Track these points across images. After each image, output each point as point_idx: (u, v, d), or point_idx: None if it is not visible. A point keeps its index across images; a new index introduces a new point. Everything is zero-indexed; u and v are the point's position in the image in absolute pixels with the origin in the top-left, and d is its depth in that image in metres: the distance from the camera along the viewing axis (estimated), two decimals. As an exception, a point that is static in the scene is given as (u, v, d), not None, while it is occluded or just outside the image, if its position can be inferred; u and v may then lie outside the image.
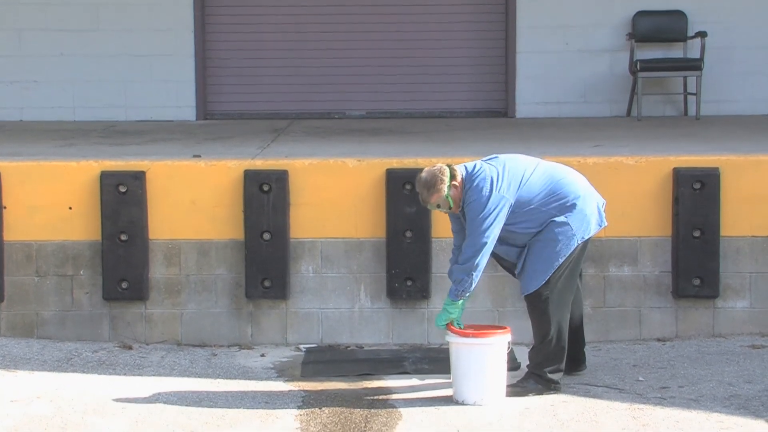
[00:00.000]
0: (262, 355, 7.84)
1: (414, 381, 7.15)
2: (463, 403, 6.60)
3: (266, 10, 11.73)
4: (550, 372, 6.77)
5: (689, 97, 11.46)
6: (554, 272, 6.67)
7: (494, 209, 6.56)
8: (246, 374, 7.38)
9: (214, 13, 11.70)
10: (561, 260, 6.69)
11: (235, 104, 11.76)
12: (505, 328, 6.81)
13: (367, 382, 7.15)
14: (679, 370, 7.30)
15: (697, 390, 6.83)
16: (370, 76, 11.72)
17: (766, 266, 8.04)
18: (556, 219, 6.67)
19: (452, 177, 6.61)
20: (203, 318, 8.11)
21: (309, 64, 11.71)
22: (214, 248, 8.08)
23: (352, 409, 6.55)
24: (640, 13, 11.51)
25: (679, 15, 11.49)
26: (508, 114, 11.64)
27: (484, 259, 6.60)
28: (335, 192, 8.04)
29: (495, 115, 11.69)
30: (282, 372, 7.44)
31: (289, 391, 6.98)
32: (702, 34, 11.18)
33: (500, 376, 6.64)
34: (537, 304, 6.74)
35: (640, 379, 7.10)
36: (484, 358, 6.60)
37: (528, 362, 6.89)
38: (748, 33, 11.50)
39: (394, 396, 6.81)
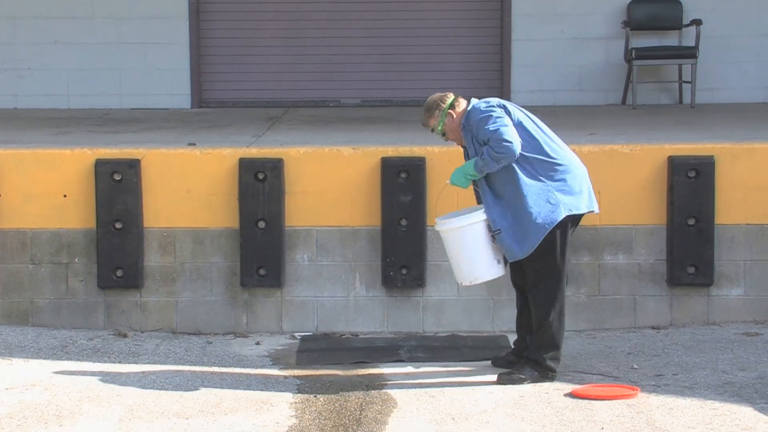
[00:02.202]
0: (258, 343, 7.85)
1: (409, 369, 7.16)
2: (461, 284, 6.83)
3: (261, -2, 11.74)
4: (549, 359, 6.75)
5: (684, 85, 11.46)
6: (550, 250, 6.60)
7: (499, 112, 6.57)
8: (241, 362, 7.39)
9: (208, 0, 11.68)
10: (548, 228, 6.56)
11: (230, 92, 11.75)
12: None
13: (363, 370, 7.16)
14: (673, 357, 7.31)
15: (692, 378, 6.85)
16: (366, 64, 11.71)
17: (761, 254, 8.06)
18: (542, 180, 6.60)
19: (452, 106, 6.71)
20: (198, 306, 8.11)
21: (304, 52, 11.70)
22: (209, 236, 8.08)
23: (347, 397, 6.56)
24: (636, 1, 11.50)
25: (674, 3, 11.48)
26: (503, 102, 11.63)
27: (507, 145, 6.49)
28: (330, 180, 8.04)
29: (490, 103, 11.68)
30: (277, 360, 7.44)
31: (285, 378, 6.98)
32: (697, 22, 11.18)
33: (486, 253, 6.66)
34: (538, 288, 6.70)
35: (635, 366, 7.11)
36: (466, 238, 6.66)
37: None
38: (743, 21, 11.50)
39: (390, 384, 6.82)
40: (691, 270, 8.00)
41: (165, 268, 8.08)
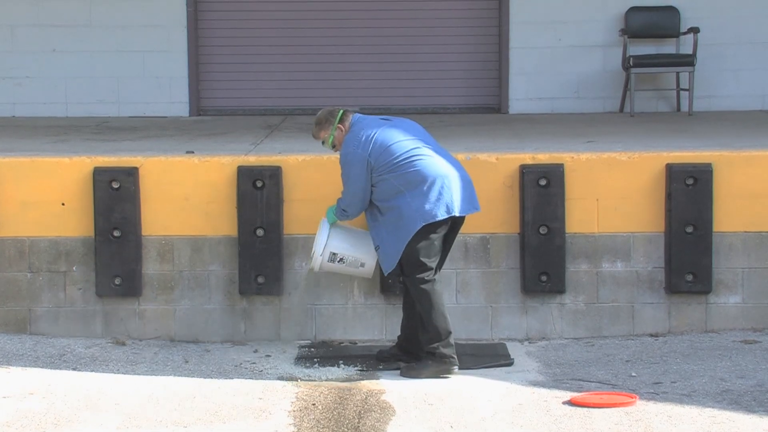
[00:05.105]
0: (256, 351, 7.85)
1: (407, 377, 7.16)
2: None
3: (259, 6, 11.73)
4: (442, 346, 6.99)
5: (682, 92, 11.47)
6: (406, 257, 6.92)
7: (352, 165, 6.99)
8: (239, 370, 7.38)
9: (207, 9, 11.70)
10: (406, 240, 6.91)
11: (229, 100, 11.75)
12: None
13: (361, 377, 7.15)
14: (671, 365, 7.31)
15: (690, 385, 6.85)
16: (364, 72, 11.72)
17: (759, 262, 8.06)
18: (401, 196, 6.93)
19: (341, 120, 7.15)
20: (196, 314, 8.11)
21: (302, 60, 11.71)
22: (208, 244, 8.08)
23: (345, 405, 6.56)
24: (633, 9, 11.52)
25: (672, 11, 11.50)
26: (501, 110, 11.65)
27: (351, 206, 7.13)
28: (329, 188, 8.03)
29: (488, 110, 11.69)
30: (276, 368, 7.43)
31: (283, 387, 6.98)
32: (694, 30, 11.19)
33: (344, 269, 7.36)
34: (411, 289, 7.08)
35: (633, 374, 7.11)
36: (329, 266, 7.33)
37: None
38: (740, 28, 11.52)
39: (388, 392, 6.82)
40: (690, 277, 8.00)
41: (163, 276, 8.08)
